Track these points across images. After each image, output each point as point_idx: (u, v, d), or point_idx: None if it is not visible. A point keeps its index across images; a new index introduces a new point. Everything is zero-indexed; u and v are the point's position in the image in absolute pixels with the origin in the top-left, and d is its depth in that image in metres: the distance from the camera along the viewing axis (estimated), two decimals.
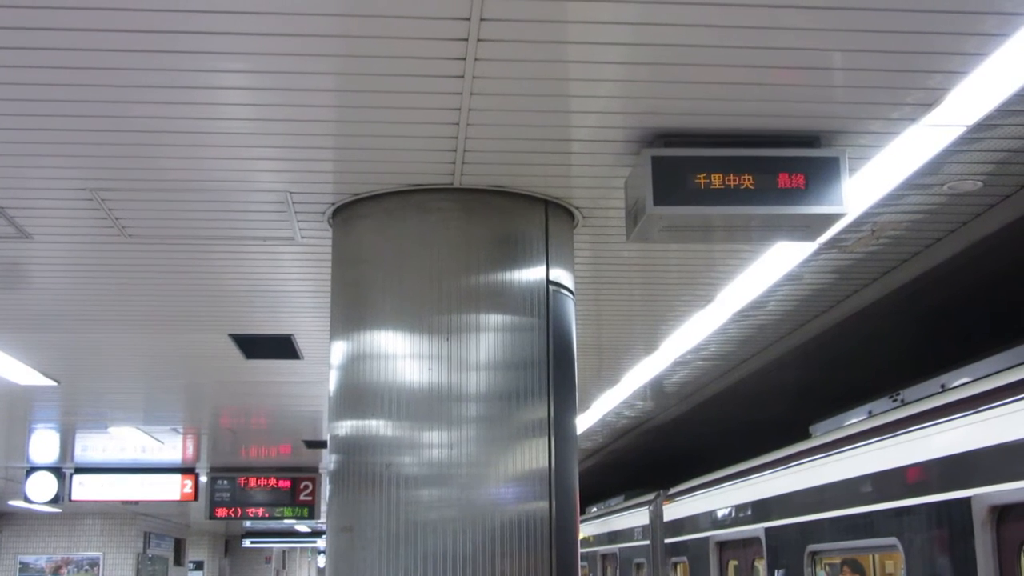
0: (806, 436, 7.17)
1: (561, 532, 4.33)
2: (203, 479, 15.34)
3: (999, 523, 4.48)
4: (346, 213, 4.66)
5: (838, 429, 6.42)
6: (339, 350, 4.51)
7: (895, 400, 5.94)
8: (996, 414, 4.49)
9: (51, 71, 3.45)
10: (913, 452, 5.18)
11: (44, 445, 13.08)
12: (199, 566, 30.85)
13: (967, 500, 4.61)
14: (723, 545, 8.59)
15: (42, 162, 4.24)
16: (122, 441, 12.52)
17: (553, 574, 4.25)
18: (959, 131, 4.01)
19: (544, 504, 4.29)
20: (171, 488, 15.05)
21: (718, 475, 8.75)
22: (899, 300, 6.36)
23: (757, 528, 7.46)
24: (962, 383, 5.11)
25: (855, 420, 6.40)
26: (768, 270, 5.89)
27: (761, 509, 7.44)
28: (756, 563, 7.76)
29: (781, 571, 6.93)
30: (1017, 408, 4.35)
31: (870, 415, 6.18)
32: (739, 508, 8.01)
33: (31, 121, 3.85)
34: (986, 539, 4.50)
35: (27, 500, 15.46)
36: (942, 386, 5.41)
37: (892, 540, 5.33)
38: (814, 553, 6.45)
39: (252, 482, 14.99)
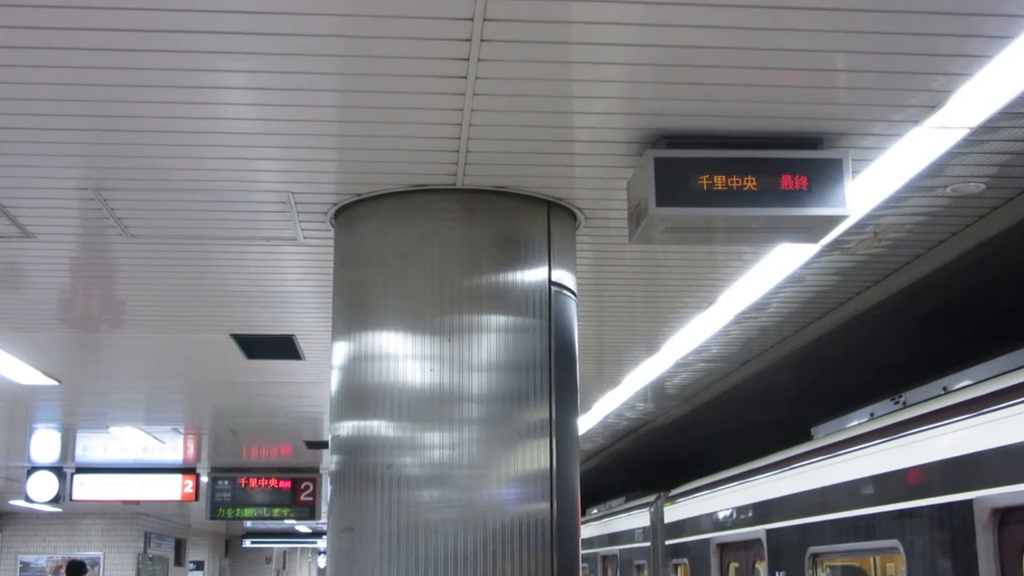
0: (807, 438, 7.16)
1: (562, 533, 4.32)
2: (204, 479, 15.34)
3: (1001, 526, 4.48)
4: (348, 214, 4.65)
5: (840, 431, 6.41)
6: (341, 350, 4.51)
7: (897, 402, 5.93)
8: (998, 417, 4.48)
9: (54, 70, 3.45)
10: (915, 454, 5.17)
11: (45, 445, 13.08)
12: (199, 566, 30.85)
13: (969, 503, 4.61)
14: (724, 547, 8.58)
15: (45, 161, 4.24)
16: (123, 441, 12.52)
17: (554, 575, 4.24)
18: (962, 133, 4.01)
19: (545, 505, 4.28)
20: (172, 488, 15.04)
21: (719, 477, 8.74)
22: (901, 302, 6.36)
23: (758, 530, 7.45)
24: (964, 386, 5.10)
25: (857, 422, 6.40)
26: (770, 272, 5.89)
27: (762, 511, 7.44)
28: (757, 565, 7.75)
29: (782, 573, 6.92)
30: (1020, 411, 4.34)
31: (872, 417, 6.17)
32: (740, 510, 8.00)
33: (34, 120, 3.85)
34: (988, 542, 4.49)
35: (28, 500, 15.46)
36: (944, 388, 5.40)
37: (894, 542, 5.33)
38: (815, 555, 6.45)
39: (253, 482, 14.98)
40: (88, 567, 17.36)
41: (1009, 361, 4.92)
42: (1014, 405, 4.37)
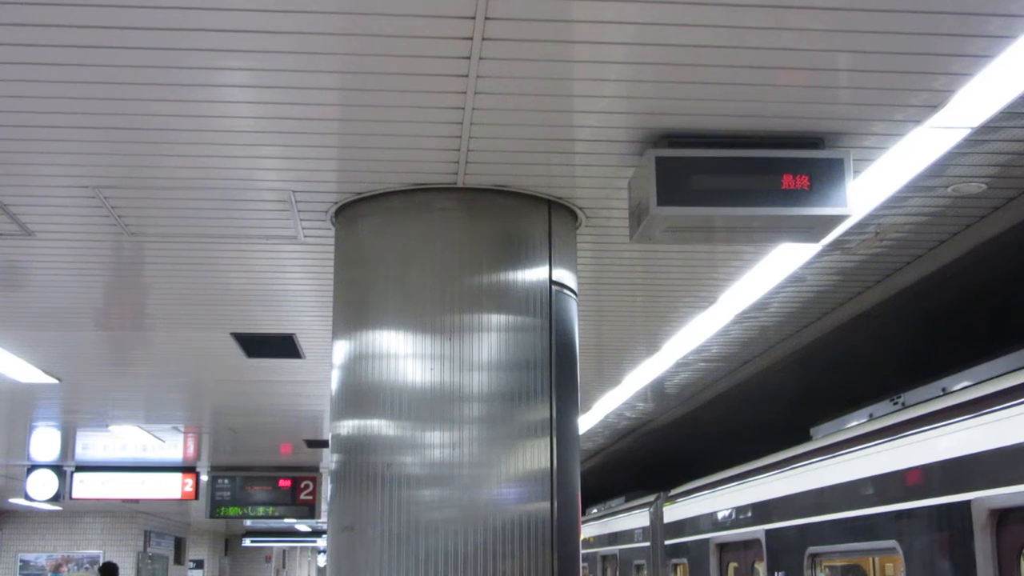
0: (807, 438, 7.17)
1: (562, 533, 4.32)
2: (204, 478, 15.34)
3: (999, 527, 4.48)
4: (349, 212, 4.65)
5: (839, 432, 6.41)
6: (341, 349, 4.51)
7: (896, 403, 5.93)
8: (996, 418, 4.48)
9: (55, 68, 3.45)
10: (913, 455, 5.17)
11: (45, 443, 13.08)
12: (199, 565, 30.86)
13: (967, 504, 4.61)
14: (723, 547, 8.58)
15: (45, 159, 4.24)
16: (123, 439, 12.52)
17: (554, 575, 4.24)
18: (963, 133, 4.01)
19: (545, 505, 4.28)
20: (172, 487, 15.05)
21: (719, 477, 8.74)
22: (902, 302, 6.36)
23: (757, 530, 7.45)
24: (963, 387, 5.10)
25: (856, 423, 6.40)
26: (771, 272, 5.88)
27: (761, 511, 7.44)
28: (756, 565, 7.75)
29: (781, 573, 6.92)
30: (1017, 412, 4.34)
31: (871, 418, 6.17)
32: (739, 510, 8.00)
33: (35, 118, 3.85)
34: (986, 543, 4.50)
35: (28, 498, 15.47)
36: (943, 389, 5.40)
37: (892, 543, 5.33)
38: (814, 555, 6.45)
39: (253, 481, 14.98)
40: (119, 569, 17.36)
41: (1008, 362, 4.92)
42: (1012, 407, 4.37)
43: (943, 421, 4.93)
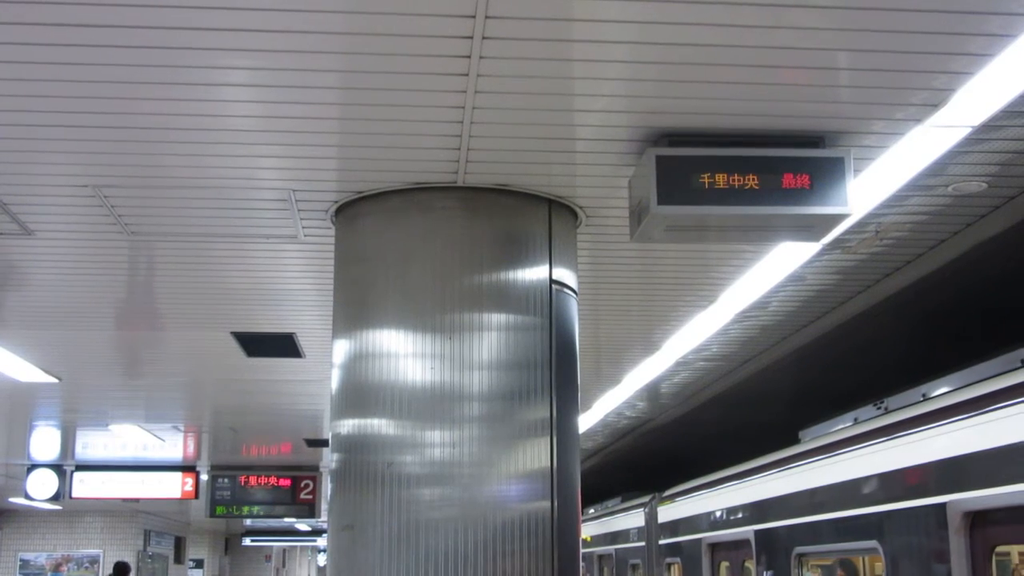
0: (796, 441, 7.20)
1: (563, 532, 4.32)
2: (204, 477, 15.34)
3: (972, 528, 4.54)
4: (349, 211, 4.65)
5: (825, 435, 6.46)
6: (341, 349, 4.51)
7: (879, 408, 5.97)
8: (969, 423, 4.55)
9: (55, 67, 3.45)
10: (892, 459, 5.24)
11: (45, 442, 13.08)
12: (199, 564, 30.86)
13: (943, 506, 4.66)
14: (715, 547, 8.63)
15: (45, 158, 4.24)
16: (123, 439, 12.51)
17: (555, 574, 4.24)
18: (964, 132, 4.01)
19: (546, 504, 4.28)
20: (172, 486, 15.04)
21: (711, 478, 8.79)
22: (902, 302, 6.36)
23: (747, 530, 7.50)
24: (941, 393, 5.16)
25: (841, 426, 6.44)
26: (771, 271, 5.88)
27: (751, 512, 7.50)
28: (746, 564, 7.79)
29: (770, 572, 6.98)
30: (988, 419, 4.39)
31: (855, 422, 6.22)
32: (730, 511, 8.06)
33: (35, 117, 3.84)
34: (960, 543, 4.55)
35: (28, 497, 15.47)
36: (923, 395, 5.45)
37: (873, 543, 5.39)
38: (801, 555, 6.51)
39: (253, 480, 14.98)
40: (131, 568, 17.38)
41: (992, 367, 4.94)
42: (985, 413, 4.42)
43: (920, 426, 5.00)
